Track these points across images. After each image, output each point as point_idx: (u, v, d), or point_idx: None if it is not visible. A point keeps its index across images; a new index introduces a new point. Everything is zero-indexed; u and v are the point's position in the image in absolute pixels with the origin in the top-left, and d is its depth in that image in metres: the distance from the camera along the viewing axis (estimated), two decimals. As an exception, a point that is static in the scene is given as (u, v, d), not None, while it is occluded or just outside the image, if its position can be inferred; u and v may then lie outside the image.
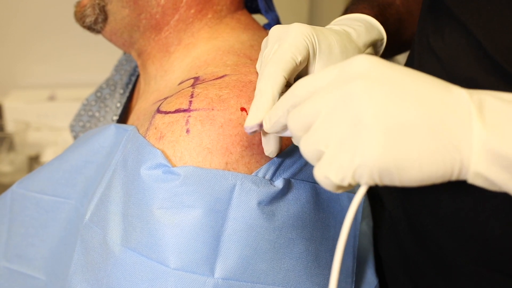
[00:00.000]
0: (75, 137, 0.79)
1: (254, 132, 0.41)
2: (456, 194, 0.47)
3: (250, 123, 0.40)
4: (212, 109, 0.45)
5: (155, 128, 0.46)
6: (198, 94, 0.46)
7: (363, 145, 0.31)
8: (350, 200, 0.52)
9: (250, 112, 0.41)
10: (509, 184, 0.31)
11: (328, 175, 0.33)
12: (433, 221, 0.50)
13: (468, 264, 0.48)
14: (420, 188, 0.51)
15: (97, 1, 0.59)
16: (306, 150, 0.35)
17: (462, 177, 0.32)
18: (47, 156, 1.25)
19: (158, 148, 0.44)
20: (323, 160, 0.34)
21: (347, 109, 0.32)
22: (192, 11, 0.57)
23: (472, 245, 0.47)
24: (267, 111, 0.40)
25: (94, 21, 0.60)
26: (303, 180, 0.48)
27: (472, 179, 0.32)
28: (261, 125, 0.40)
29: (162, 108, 0.47)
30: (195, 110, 0.45)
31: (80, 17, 0.61)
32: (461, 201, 0.47)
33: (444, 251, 0.50)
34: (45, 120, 1.32)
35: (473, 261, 0.47)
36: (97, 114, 0.76)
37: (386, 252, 0.59)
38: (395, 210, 0.59)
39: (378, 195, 0.64)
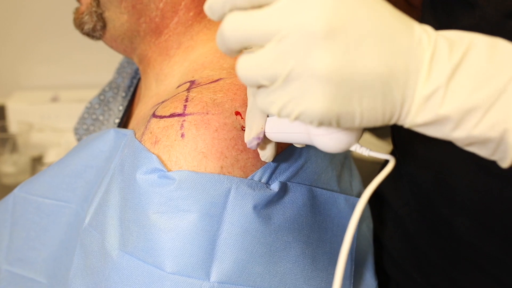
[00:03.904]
0: (78, 140, 0.79)
1: (257, 144, 0.41)
2: (473, 181, 0.48)
3: (248, 137, 0.41)
4: (207, 113, 0.45)
5: (151, 133, 0.46)
6: (192, 98, 0.46)
7: (309, 98, 0.31)
8: (347, 202, 0.52)
9: (246, 127, 0.42)
10: (448, 137, 0.32)
11: (270, 109, 0.33)
12: (450, 211, 0.51)
13: (486, 256, 0.48)
14: (433, 179, 0.52)
15: (94, 9, 0.59)
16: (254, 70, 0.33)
17: (399, 123, 0.33)
18: (50, 157, 1.26)
19: (153, 153, 0.45)
20: (268, 92, 0.33)
21: (299, 52, 0.30)
22: (191, 13, 0.57)
23: (491, 232, 0.47)
24: (263, 123, 0.41)
25: (93, 28, 0.60)
26: (299, 183, 0.48)
27: (409, 127, 0.32)
28: (259, 138, 0.41)
29: (158, 113, 0.47)
30: (190, 114, 0.45)
31: (78, 24, 0.61)
32: (480, 188, 0.47)
33: (462, 243, 0.50)
34: (48, 121, 1.32)
35: (492, 249, 0.48)
36: (101, 117, 0.76)
37: (396, 251, 0.60)
38: (402, 209, 0.59)
39: (381, 196, 0.64)
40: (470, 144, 0.32)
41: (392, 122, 0.32)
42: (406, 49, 0.31)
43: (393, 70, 0.30)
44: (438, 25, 0.50)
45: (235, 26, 0.32)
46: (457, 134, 0.31)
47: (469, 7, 0.46)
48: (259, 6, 0.32)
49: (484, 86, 0.30)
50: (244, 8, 0.32)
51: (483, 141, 0.31)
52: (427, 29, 0.32)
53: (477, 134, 0.30)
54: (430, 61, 0.30)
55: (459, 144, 0.32)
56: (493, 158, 0.32)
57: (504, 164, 0.31)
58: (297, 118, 0.32)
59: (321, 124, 0.32)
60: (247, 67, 0.32)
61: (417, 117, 0.31)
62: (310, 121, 0.32)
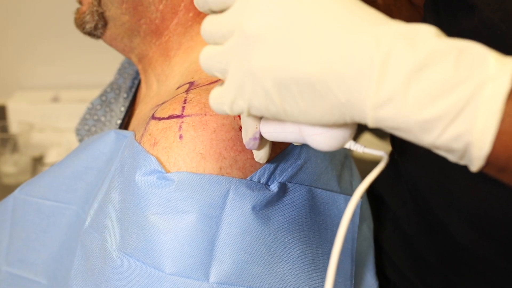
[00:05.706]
0: (80, 141, 0.79)
1: (257, 144, 0.41)
2: (470, 186, 0.47)
3: (246, 138, 0.41)
4: (205, 114, 0.45)
5: (149, 134, 0.46)
6: (191, 100, 0.47)
7: (253, 94, 0.33)
8: (347, 202, 0.52)
9: (243, 129, 0.41)
10: (414, 141, 0.30)
11: (222, 109, 0.36)
12: (447, 214, 0.50)
13: (483, 260, 0.48)
14: (432, 181, 0.52)
15: (95, 8, 0.59)
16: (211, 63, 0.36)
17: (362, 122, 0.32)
18: (51, 157, 1.26)
19: (152, 154, 0.45)
20: (222, 91, 0.35)
21: (241, 49, 0.33)
22: (191, 14, 0.57)
23: (487, 237, 0.47)
24: (257, 123, 0.40)
25: (94, 27, 0.61)
26: (299, 184, 0.48)
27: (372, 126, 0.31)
28: (255, 138, 0.41)
29: (157, 114, 0.48)
30: (188, 115, 0.45)
31: (80, 24, 0.62)
32: (477, 193, 0.47)
33: (458, 246, 0.50)
34: (49, 121, 1.32)
35: (489, 253, 0.47)
36: (102, 118, 0.76)
37: (393, 252, 0.60)
38: (400, 209, 0.59)
39: (380, 196, 0.64)
40: (437, 150, 0.30)
41: (351, 121, 0.32)
42: (354, 51, 0.29)
43: (330, 72, 0.30)
44: (440, 28, 0.49)
45: (205, 27, 0.36)
46: (422, 141, 0.30)
47: (470, 10, 0.46)
48: (225, 8, 0.36)
49: (448, 95, 0.28)
50: (216, 11, 0.37)
51: (448, 150, 0.29)
52: (391, 27, 0.30)
53: (441, 144, 0.29)
54: (383, 64, 0.28)
55: (427, 148, 0.31)
56: (461, 163, 0.30)
57: (473, 169, 0.30)
58: (249, 114, 0.35)
59: (272, 117, 0.34)
60: (205, 57, 0.36)
61: (375, 122, 0.30)
62: (260, 115, 0.35)
